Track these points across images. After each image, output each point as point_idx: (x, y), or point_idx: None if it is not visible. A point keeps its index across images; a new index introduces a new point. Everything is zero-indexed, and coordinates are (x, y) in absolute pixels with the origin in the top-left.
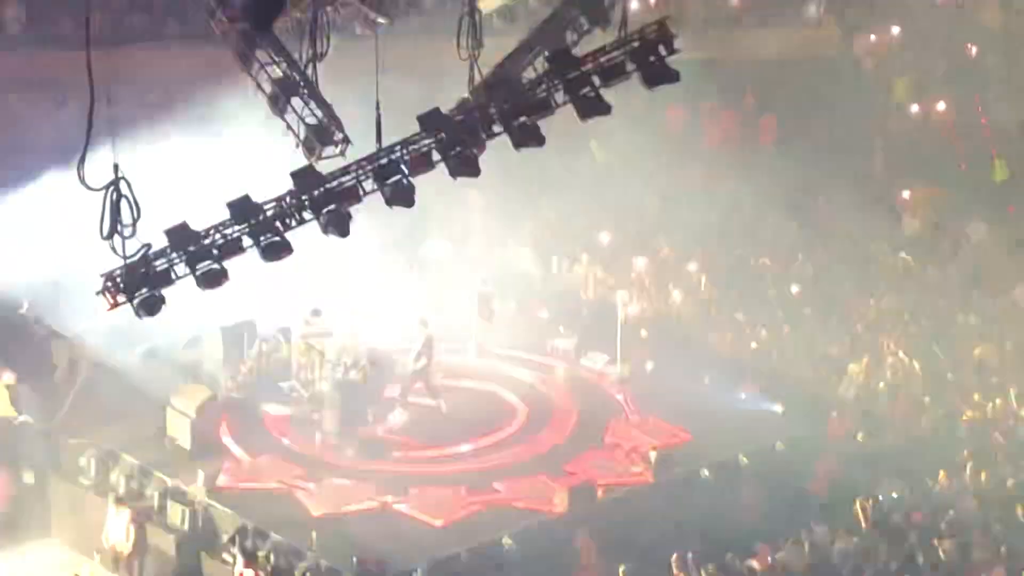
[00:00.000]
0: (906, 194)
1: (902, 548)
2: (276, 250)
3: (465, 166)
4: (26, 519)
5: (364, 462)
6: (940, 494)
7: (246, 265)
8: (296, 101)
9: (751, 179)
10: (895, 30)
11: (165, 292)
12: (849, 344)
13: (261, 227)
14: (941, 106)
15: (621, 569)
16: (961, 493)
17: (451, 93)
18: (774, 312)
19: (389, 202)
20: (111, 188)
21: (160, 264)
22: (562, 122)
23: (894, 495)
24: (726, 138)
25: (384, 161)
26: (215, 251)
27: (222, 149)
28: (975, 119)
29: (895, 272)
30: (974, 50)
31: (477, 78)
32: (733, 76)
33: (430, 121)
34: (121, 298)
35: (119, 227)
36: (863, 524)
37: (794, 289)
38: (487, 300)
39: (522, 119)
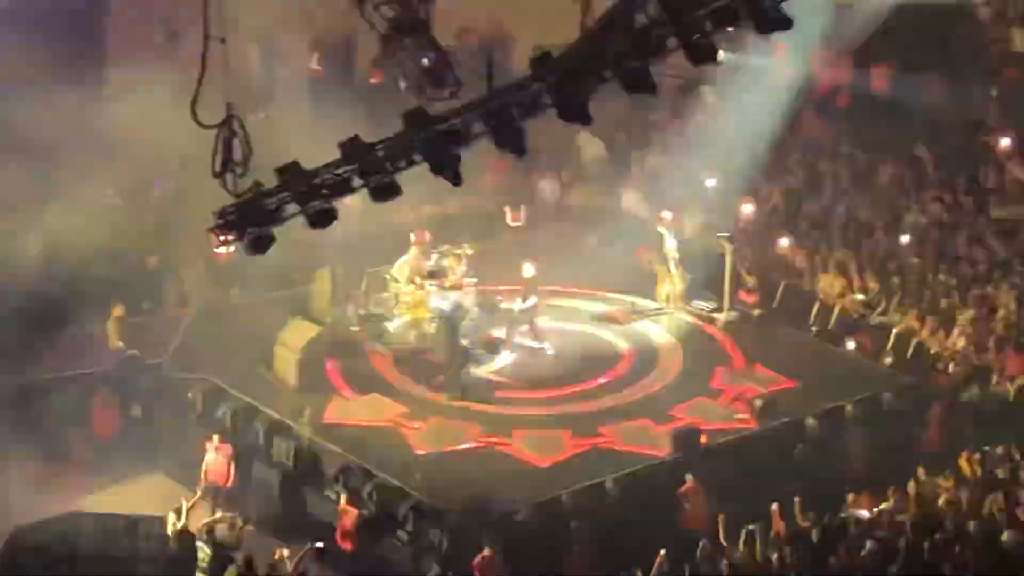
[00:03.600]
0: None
1: (1008, 502)
2: (386, 191)
3: (576, 111)
4: (132, 452)
5: (469, 402)
6: None
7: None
8: (410, 42)
9: (863, 127)
10: None
11: (275, 231)
12: (959, 295)
13: (371, 167)
14: None
15: (720, 517)
16: None
17: (562, 37)
18: (884, 262)
19: (499, 146)
20: (224, 126)
21: (270, 203)
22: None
23: (999, 450)
24: (838, 85)
25: (495, 104)
26: (325, 191)
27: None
28: None
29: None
30: None
31: (589, 22)
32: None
33: (542, 65)
34: (231, 236)
35: (231, 165)
36: (969, 477)
37: (904, 239)
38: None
39: (633, 64)
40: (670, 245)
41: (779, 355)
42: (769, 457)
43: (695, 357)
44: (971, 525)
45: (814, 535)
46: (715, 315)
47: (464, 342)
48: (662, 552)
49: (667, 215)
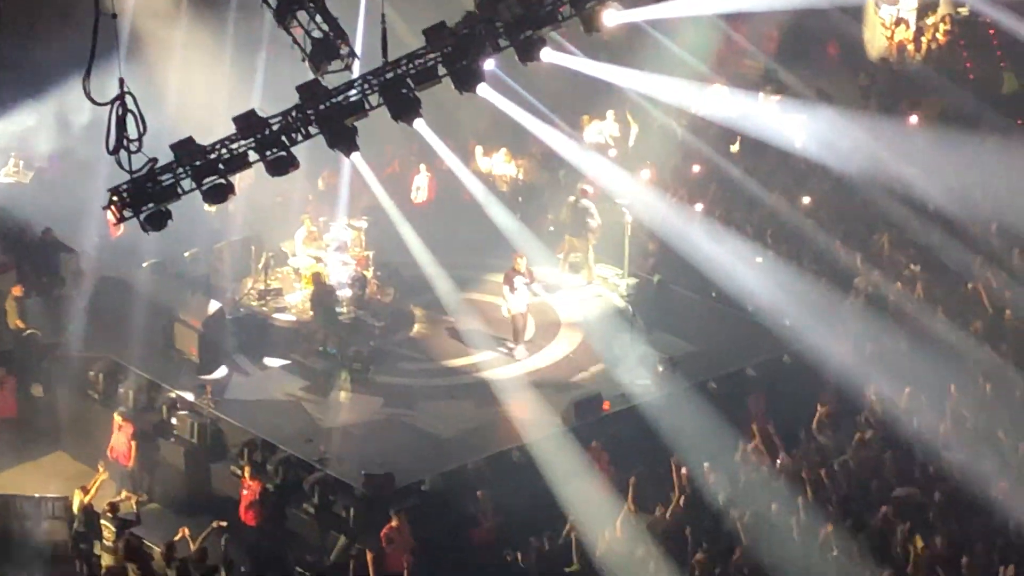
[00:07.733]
0: None
1: (908, 459)
2: (283, 164)
3: (470, 79)
4: (34, 432)
5: (371, 374)
6: (952, 406)
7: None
8: (302, 15)
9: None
10: None
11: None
12: (857, 257)
13: (267, 141)
14: None
15: (631, 479)
16: (973, 403)
17: (458, 8)
18: (781, 226)
19: (395, 117)
20: (117, 103)
21: (166, 179)
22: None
23: (902, 406)
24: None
25: (390, 75)
26: (221, 166)
27: (230, 64)
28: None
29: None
30: None
31: None
32: None
33: (436, 35)
34: (127, 213)
35: (125, 142)
36: (868, 435)
37: (806, 200)
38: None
39: (528, 33)
40: (591, 218)
41: (680, 320)
42: (673, 421)
43: (597, 325)
44: (873, 484)
45: (721, 498)
46: (617, 282)
47: (360, 313)
48: (571, 519)
49: (590, 188)
